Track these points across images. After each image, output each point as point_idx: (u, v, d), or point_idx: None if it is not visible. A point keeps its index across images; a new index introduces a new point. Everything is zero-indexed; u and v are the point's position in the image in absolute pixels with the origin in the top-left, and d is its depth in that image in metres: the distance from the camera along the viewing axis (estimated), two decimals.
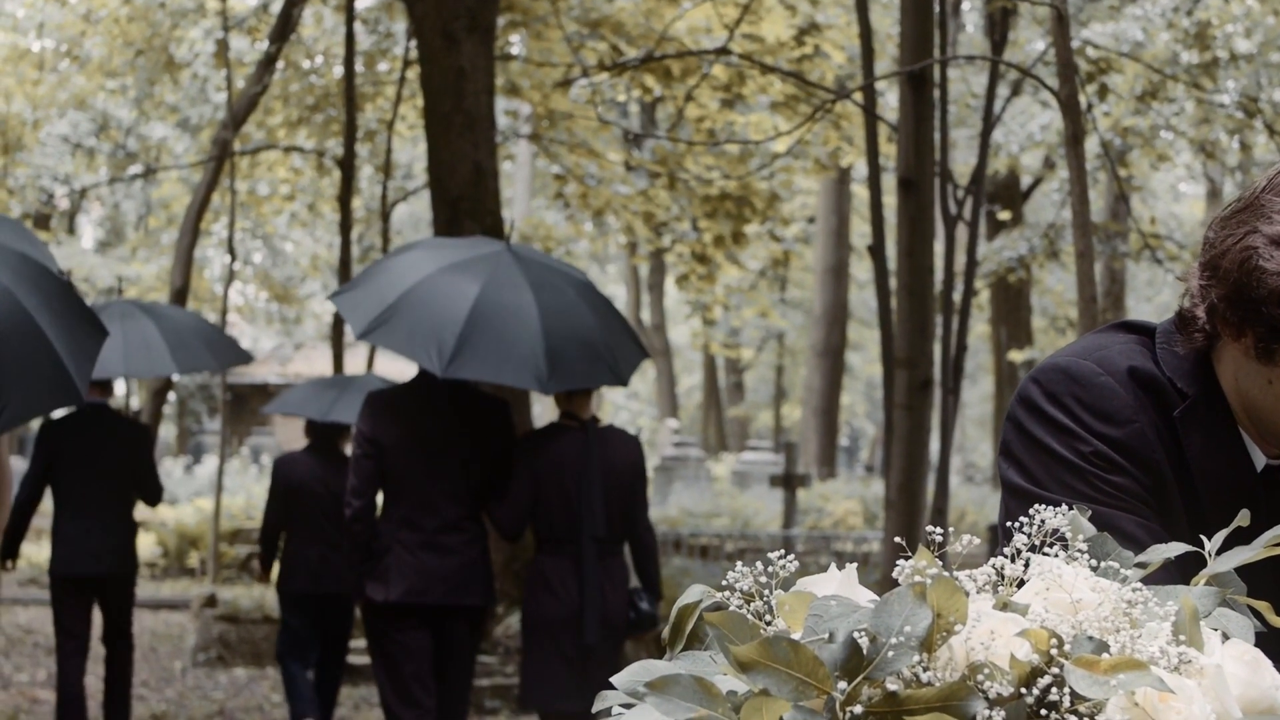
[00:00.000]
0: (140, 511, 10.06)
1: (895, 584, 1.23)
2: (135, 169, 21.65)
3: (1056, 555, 1.31)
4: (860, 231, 30.41)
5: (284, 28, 13.45)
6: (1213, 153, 17.47)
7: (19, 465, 16.35)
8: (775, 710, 1.15)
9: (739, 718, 1.17)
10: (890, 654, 1.15)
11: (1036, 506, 1.34)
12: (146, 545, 17.13)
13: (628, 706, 1.23)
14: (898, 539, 1.99)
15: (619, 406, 36.39)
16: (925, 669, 1.17)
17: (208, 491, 20.42)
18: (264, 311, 30.95)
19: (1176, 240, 17.83)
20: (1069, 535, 1.33)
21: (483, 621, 6.53)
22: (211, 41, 16.60)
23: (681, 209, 16.29)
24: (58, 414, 8.06)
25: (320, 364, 26.43)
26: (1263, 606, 1.35)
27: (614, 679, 1.24)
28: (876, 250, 7.47)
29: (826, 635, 1.18)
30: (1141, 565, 1.37)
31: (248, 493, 19.12)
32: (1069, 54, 5.39)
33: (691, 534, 16.17)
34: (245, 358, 9.88)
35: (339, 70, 15.95)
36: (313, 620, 8.42)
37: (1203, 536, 1.42)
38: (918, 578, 1.20)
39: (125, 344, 8.82)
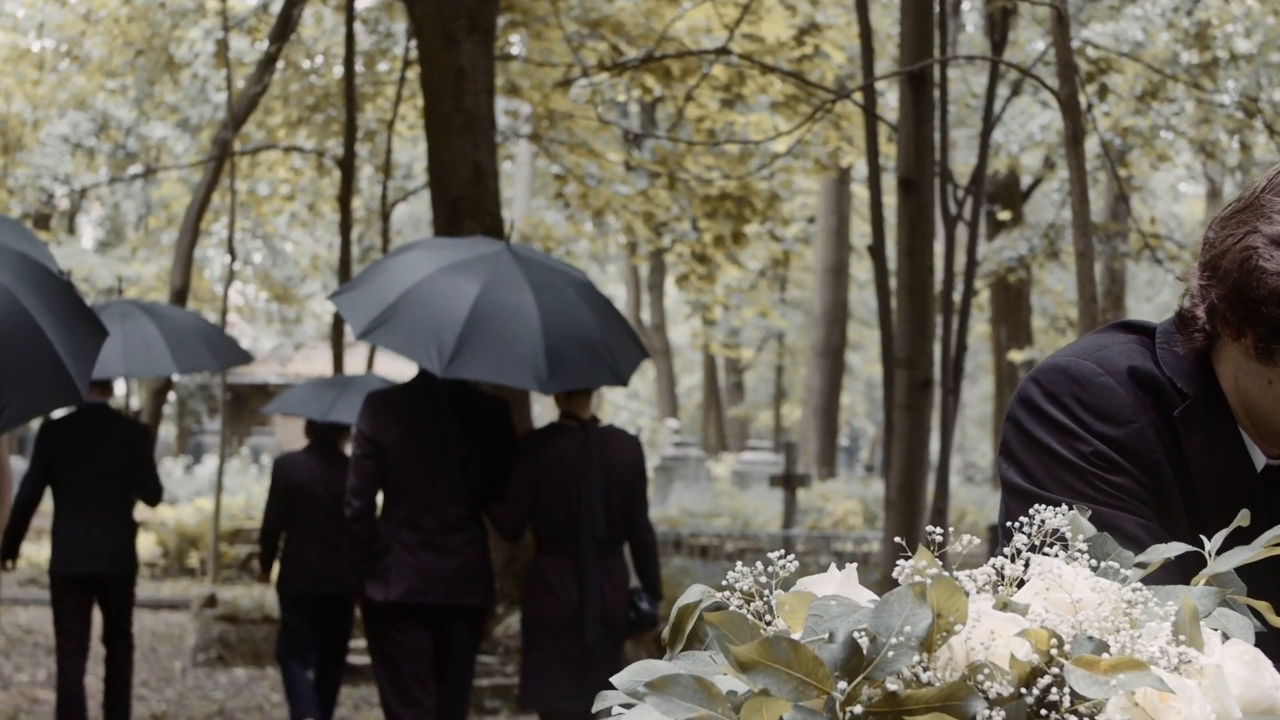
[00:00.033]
0: (140, 511, 10.06)
1: (895, 584, 1.23)
2: (135, 169, 21.65)
3: (1056, 555, 1.31)
4: (860, 231, 30.41)
5: (284, 28, 13.46)
6: (1213, 153, 17.47)
7: (19, 465, 16.36)
8: (775, 710, 1.15)
9: (739, 718, 1.17)
10: (890, 654, 1.15)
11: (1036, 506, 1.34)
12: (146, 545, 17.13)
13: (628, 706, 1.23)
14: (898, 539, 1.99)
15: (619, 406, 36.39)
16: (925, 669, 1.17)
17: (208, 491, 20.43)
18: (264, 311, 30.96)
19: (1176, 240, 17.83)
20: (1069, 535, 1.33)
21: (483, 621, 6.53)
22: (211, 41, 16.61)
23: (681, 209, 16.29)
24: (58, 414, 8.06)
25: (320, 364, 26.43)
26: (1263, 606, 1.35)
27: (614, 679, 1.24)
28: (876, 250, 7.47)
29: (826, 635, 1.18)
30: (1141, 565, 1.37)
31: (248, 493, 19.12)
32: (1069, 54, 5.39)
33: (691, 534, 16.17)
34: (245, 358, 9.88)
35: (339, 70, 15.96)
36: (313, 620, 8.42)
37: (1203, 536, 1.42)
38: (918, 578, 1.20)
39: (125, 344, 8.82)
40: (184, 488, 21.90)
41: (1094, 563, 1.31)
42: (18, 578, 15.81)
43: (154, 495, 8.14)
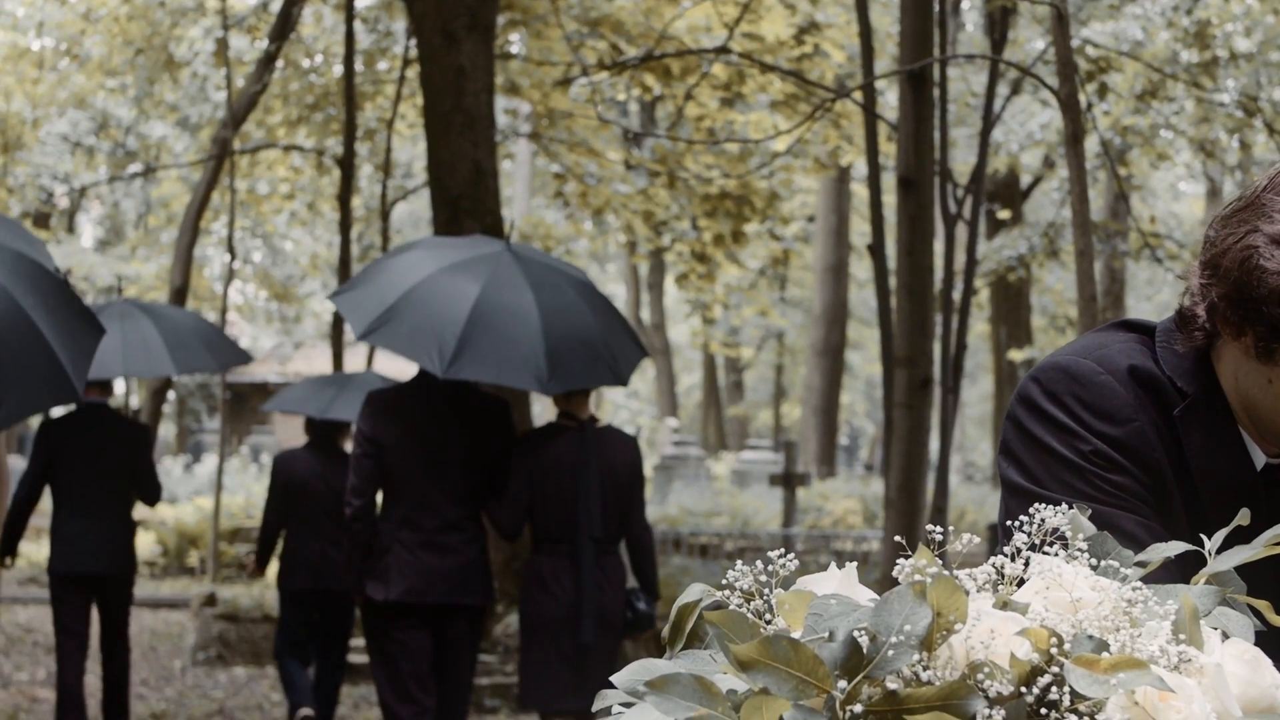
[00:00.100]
0: (140, 510, 10.06)
1: (895, 583, 1.22)
2: (135, 168, 21.64)
3: (1056, 554, 1.31)
4: (860, 230, 30.41)
5: (284, 26, 13.45)
6: (1212, 152, 17.47)
7: (18, 464, 16.36)
8: (775, 709, 1.15)
9: (739, 717, 1.17)
10: (890, 653, 1.15)
11: (1036, 505, 1.34)
12: (146, 544, 17.13)
13: (628, 705, 1.23)
14: (897, 538, 1.99)
15: (619, 405, 36.39)
16: (925, 668, 1.17)
17: (207, 490, 20.43)
18: (264, 310, 30.96)
19: (1176, 239, 17.83)
20: (1069, 534, 1.33)
21: (482, 620, 6.54)
22: (211, 40, 16.60)
23: (681, 208, 16.29)
24: (57, 413, 8.07)
25: (320, 363, 26.44)
26: (1263, 605, 1.35)
27: (614, 678, 1.24)
28: (876, 249, 7.47)
29: (826, 634, 1.18)
30: (1141, 564, 1.37)
31: (247, 491, 19.12)
32: (1069, 53, 5.39)
33: (691, 533, 16.17)
34: (244, 358, 9.89)
35: (339, 69, 15.95)
36: (312, 617, 8.43)
37: (1202, 535, 1.42)
38: (918, 576, 1.20)
39: (124, 344, 8.82)
40: (184, 486, 21.90)
41: (1094, 562, 1.31)
42: (17, 576, 15.81)
43: (153, 495, 8.15)
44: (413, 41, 12.22)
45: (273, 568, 9.30)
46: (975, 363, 33.69)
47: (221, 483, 14.13)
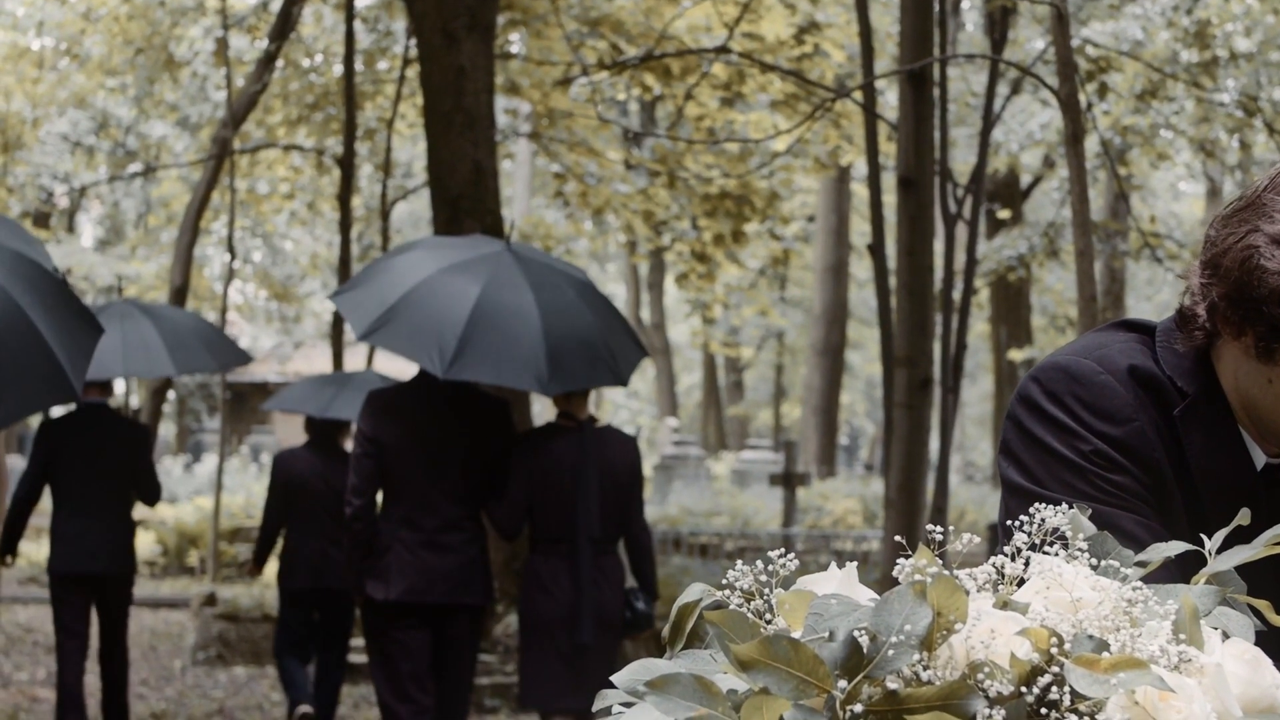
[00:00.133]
0: (140, 510, 10.06)
1: (895, 583, 1.22)
2: (135, 167, 21.64)
3: (1057, 554, 1.31)
4: (860, 230, 30.40)
5: (284, 26, 13.45)
6: (1212, 151, 17.47)
7: (18, 464, 16.36)
8: (775, 709, 1.15)
9: (739, 716, 1.16)
10: (890, 653, 1.15)
11: (1036, 505, 1.34)
12: (146, 544, 17.13)
13: (628, 705, 1.23)
14: (898, 538, 1.99)
15: (619, 405, 36.40)
16: (925, 667, 1.17)
17: (207, 490, 20.43)
18: (264, 310, 30.96)
19: (1176, 239, 17.83)
20: (1069, 534, 1.33)
21: (482, 619, 6.54)
22: (211, 40, 16.60)
23: (681, 208, 16.29)
24: (57, 413, 8.07)
25: (320, 362, 26.44)
26: (1263, 605, 1.35)
27: (614, 678, 1.24)
28: (876, 249, 7.47)
29: (827, 634, 1.18)
30: (1142, 564, 1.37)
31: (247, 491, 19.12)
32: (1069, 53, 5.39)
33: (691, 533, 16.17)
34: (244, 358, 9.89)
35: (339, 69, 15.95)
36: (311, 617, 8.43)
37: (1203, 535, 1.42)
38: (918, 576, 1.20)
39: (124, 344, 8.82)
40: (184, 486, 21.91)
41: (1094, 561, 1.31)
42: (17, 576, 15.81)
43: (152, 495, 8.15)
44: (413, 41, 12.22)
45: (272, 566, 9.29)
46: (975, 362, 33.69)
47: (221, 482, 14.14)
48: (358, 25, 14.14)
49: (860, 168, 22.55)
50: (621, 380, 6.45)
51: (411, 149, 21.21)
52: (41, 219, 24.86)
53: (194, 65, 17.23)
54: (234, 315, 29.57)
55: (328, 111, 15.81)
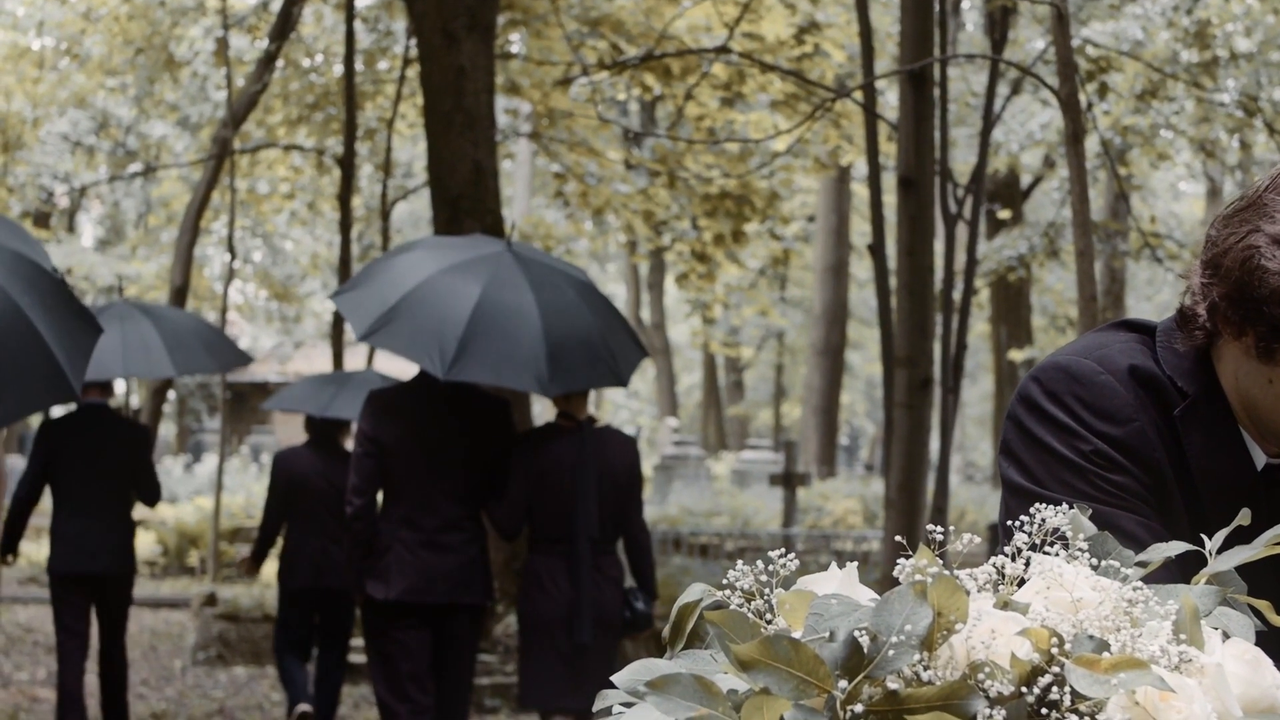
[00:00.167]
0: (140, 510, 10.06)
1: (896, 583, 1.22)
2: (135, 167, 21.65)
3: (1057, 554, 1.31)
4: (860, 230, 30.40)
5: (284, 26, 13.45)
6: (1212, 151, 17.47)
7: (18, 464, 16.36)
8: (776, 709, 1.15)
9: (740, 716, 1.16)
10: (891, 653, 1.15)
11: (1037, 505, 1.34)
12: (146, 544, 17.13)
13: (628, 705, 1.23)
14: (898, 538, 1.99)
15: (619, 405, 36.41)
16: (926, 668, 1.17)
17: (208, 490, 20.43)
18: (264, 310, 30.96)
19: (1176, 239, 17.83)
20: (1069, 534, 1.33)
21: (482, 619, 6.54)
22: (211, 40, 16.60)
23: (681, 207, 16.29)
24: (57, 413, 8.08)
25: (320, 362, 26.45)
26: (1263, 605, 1.35)
27: (614, 678, 1.24)
28: (876, 249, 7.47)
29: (827, 634, 1.18)
30: (1142, 564, 1.37)
31: (248, 491, 19.12)
32: (1069, 53, 5.39)
33: (691, 533, 16.17)
34: (244, 359, 9.89)
35: (339, 68, 15.95)
36: (312, 615, 8.44)
37: (1203, 535, 1.42)
38: (918, 576, 1.20)
39: (124, 345, 8.83)
40: (184, 486, 21.91)
41: (1094, 561, 1.31)
42: (17, 576, 15.82)
43: (152, 496, 8.16)
44: (413, 41, 12.22)
45: (271, 566, 9.30)
46: (975, 362, 33.70)
47: (222, 482, 14.14)
48: (358, 25, 14.14)
49: (860, 168, 22.55)
50: (621, 381, 6.45)
51: (411, 149, 21.21)
52: (42, 219, 24.86)
53: (194, 65, 17.23)
54: (234, 315, 29.58)
55: (328, 111, 15.81)
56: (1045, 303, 26.37)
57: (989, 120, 7.95)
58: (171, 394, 28.01)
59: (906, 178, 6.83)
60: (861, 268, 30.39)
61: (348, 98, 12.48)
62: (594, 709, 1.27)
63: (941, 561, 1.25)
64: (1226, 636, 1.28)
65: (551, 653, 6.29)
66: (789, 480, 15.61)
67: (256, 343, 31.78)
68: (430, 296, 6.24)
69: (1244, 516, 1.46)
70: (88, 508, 7.86)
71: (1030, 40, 16.92)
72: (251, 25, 16.62)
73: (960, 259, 12.79)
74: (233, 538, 16.35)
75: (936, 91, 7.15)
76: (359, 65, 14.47)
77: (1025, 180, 23.04)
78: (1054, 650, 1.18)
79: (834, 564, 1.33)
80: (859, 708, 1.15)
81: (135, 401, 21.55)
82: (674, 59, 13.61)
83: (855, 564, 1.31)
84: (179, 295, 12.95)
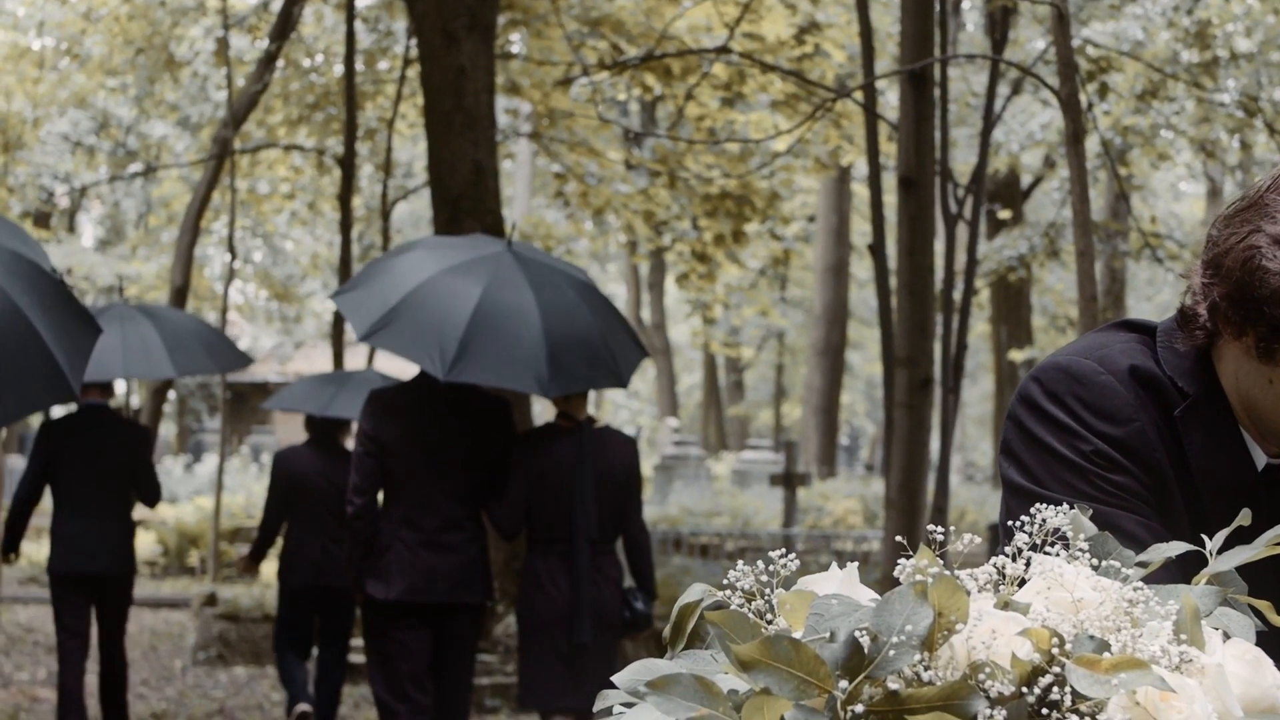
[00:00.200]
0: (140, 510, 10.06)
1: (896, 583, 1.22)
2: (135, 167, 21.65)
3: (1057, 554, 1.31)
4: (860, 230, 30.40)
5: (284, 26, 13.45)
6: (1213, 152, 17.47)
7: (18, 464, 16.36)
8: (776, 709, 1.15)
9: (740, 717, 1.16)
10: (891, 653, 1.15)
11: (1037, 505, 1.34)
12: (147, 544, 17.13)
13: (629, 705, 1.23)
14: (898, 538, 1.99)
15: (619, 405, 36.40)
16: (926, 668, 1.17)
17: (208, 490, 20.43)
18: (264, 310, 30.96)
19: (1177, 239, 17.83)
20: (1070, 534, 1.33)
21: (482, 619, 6.54)
22: (212, 40, 16.61)
23: (682, 208, 16.29)
24: (57, 413, 8.08)
25: (320, 362, 26.45)
26: (1264, 605, 1.35)
27: (615, 678, 1.24)
28: (877, 249, 7.46)
29: (828, 634, 1.18)
30: (1142, 564, 1.37)
31: (248, 491, 19.12)
32: (1069, 53, 5.39)
33: (692, 533, 16.17)
34: (244, 360, 9.89)
35: (339, 69, 15.95)
36: (312, 614, 8.44)
37: (1203, 535, 1.42)
38: (919, 577, 1.20)
39: (125, 346, 8.83)
40: (184, 486, 21.91)
41: (1095, 562, 1.31)
42: (18, 575, 15.82)
43: (152, 496, 8.16)
44: (413, 41, 12.22)
45: (271, 565, 9.29)
46: (976, 363, 33.69)
47: (222, 482, 14.14)
48: (358, 25, 14.14)
49: (860, 168, 22.55)
50: (621, 381, 6.45)
51: (412, 149, 21.21)
52: (42, 219, 24.86)
53: (194, 65, 17.24)
54: (234, 315, 29.58)
55: (328, 111, 15.81)
56: (1045, 303, 26.37)
57: (989, 120, 7.95)
58: (172, 394, 28.01)
59: (907, 178, 6.83)
60: (862, 268, 30.39)
61: (348, 98, 12.48)
62: (594, 709, 1.27)
63: (942, 562, 1.25)
64: (1227, 637, 1.28)
65: (551, 653, 6.29)
66: (789, 480, 15.60)
67: (256, 343, 31.79)
68: (431, 297, 6.24)
69: (1244, 517, 1.46)
70: (88, 508, 7.86)
71: (1030, 40, 16.93)
72: (252, 25, 16.63)
73: (960, 259, 12.79)
74: (233, 538, 16.35)
75: (937, 91, 7.15)
76: (359, 65, 14.47)
77: (1025, 180, 23.04)
78: (1055, 650, 1.18)
79: (834, 564, 1.33)
80: (859, 708, 1.15)
81: (135, 402, 21.55)
82: (674, 59, 13.61)
83: (856, 564, 1.31)
84: (179, 295, 12.95)
